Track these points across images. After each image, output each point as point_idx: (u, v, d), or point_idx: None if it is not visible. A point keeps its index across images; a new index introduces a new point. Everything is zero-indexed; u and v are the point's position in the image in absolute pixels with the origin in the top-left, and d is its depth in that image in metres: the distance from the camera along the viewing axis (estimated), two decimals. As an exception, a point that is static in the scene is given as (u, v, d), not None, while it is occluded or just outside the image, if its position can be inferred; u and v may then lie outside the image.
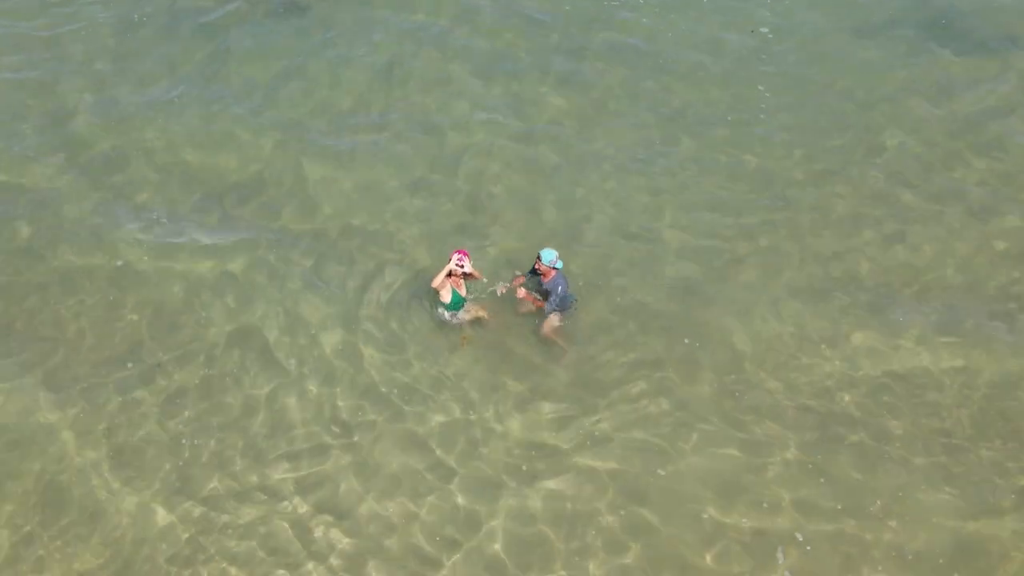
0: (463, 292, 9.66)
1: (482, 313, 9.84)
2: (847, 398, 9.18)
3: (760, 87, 12.27)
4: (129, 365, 9.41)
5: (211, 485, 8.62)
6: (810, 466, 8.69)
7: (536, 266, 9.53)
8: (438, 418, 9.13)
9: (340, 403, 9.22)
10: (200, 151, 11.51)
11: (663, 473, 8.70)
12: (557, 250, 9.52)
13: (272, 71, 12.52)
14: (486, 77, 12.44)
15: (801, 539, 8.23)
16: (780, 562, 8.10)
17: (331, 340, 9.69)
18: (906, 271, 10.22)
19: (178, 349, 9.57)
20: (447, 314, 9.73)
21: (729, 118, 11.91)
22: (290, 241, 10.54)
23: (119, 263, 10.28)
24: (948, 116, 11.84)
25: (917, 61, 12.52)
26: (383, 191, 11.10)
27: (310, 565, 8.18)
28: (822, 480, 8.58)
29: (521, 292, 9.59)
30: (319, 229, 10.68)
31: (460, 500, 8.56)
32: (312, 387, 9.34)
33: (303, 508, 8.50)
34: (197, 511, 8.46)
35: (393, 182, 11.20)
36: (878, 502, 8.41)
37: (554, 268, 9.44)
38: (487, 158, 11.46)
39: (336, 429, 9.03)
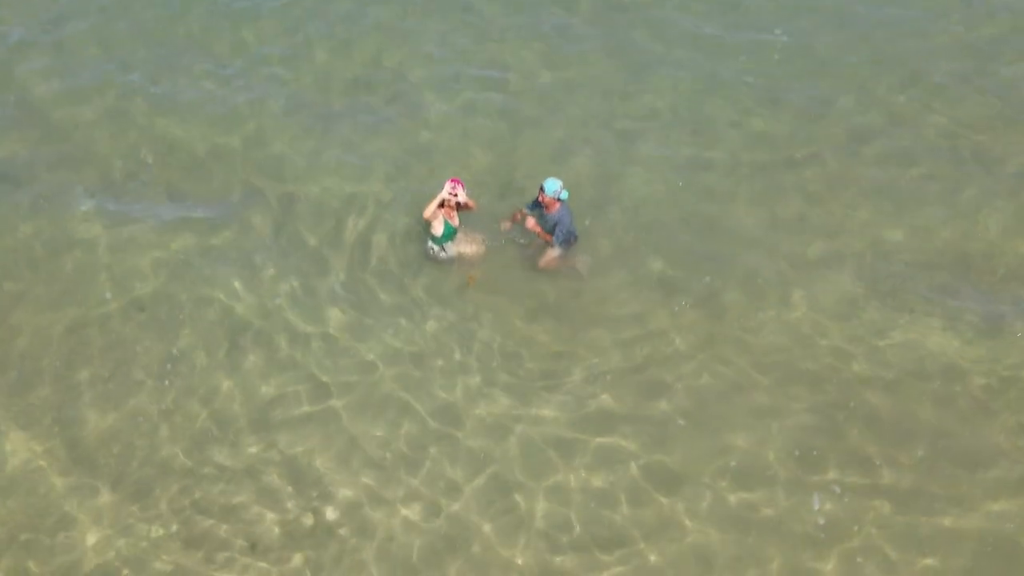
0: (455, 223, 8.71)
1: (476, 246, 8.90)
2: (876, 358, 8.24)
3: (777, 31, 11.38)
4: (82, 340, 8.37)
5: (181, 463, 7.64)
6: (831, 424, 7.81)
7: (539, 198, 8.60)
8: (425, 377, 8.17)
9: (316, 367, 8.24)
10: (172, 120, 10.30)
11: (683, 424, 7.79)
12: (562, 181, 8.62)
13: (263, 32, 11.29)
14: (499, 37, 11.32)
15: (838, 491, 7.35)
16: (816, 508, 7.23)
17: (304, 299, 8.73)
18: (934, 240, 9.16)
19: (138, 322, 8.51)
20: (435, 247, 8.79)
21: (747, 75, 10.88)
22: (266, 209, 9.44)
23: (75, 235, 9.18)
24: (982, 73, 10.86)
25: (947, 21, 11.50)
26: (371, 152, 10.01)
27: (289, 539, 7.25)
28: (854, 437, 7.73)
29: (530, 222, 8.66)
30: (292, 193, 9.57)
31: (450, 469, 7.62)
32: (285, 345, 8.36)
33: (281, 480, 7.55)
34: (172, 488, 7.50)
35: (388, 145, 10.11)
36: (918, 452, 7.56)
37: (558, 199, 8.54)
38: (491, 116, 10.40)
39: (315, 394, 8.06)
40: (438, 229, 8.65)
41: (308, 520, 7.31)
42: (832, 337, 8.38)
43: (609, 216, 9.32)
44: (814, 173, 9.78)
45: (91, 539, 7.18)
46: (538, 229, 8.64)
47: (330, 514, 7.32)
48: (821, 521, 7.19)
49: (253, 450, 7.68)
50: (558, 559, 7.07)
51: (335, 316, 8.57)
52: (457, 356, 8.29)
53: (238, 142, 10.09)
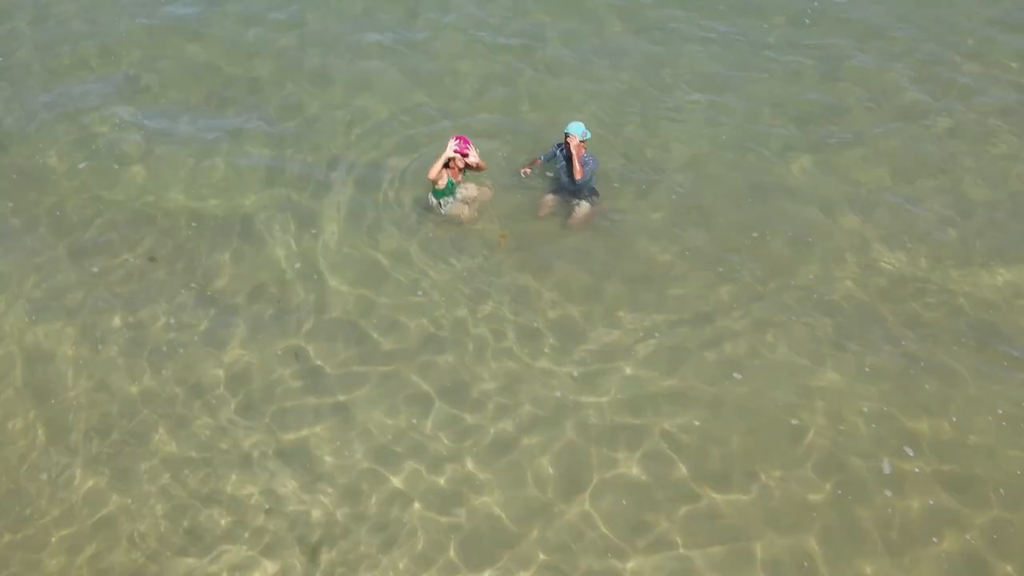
0: (457, 180, 8.05)
1: (481, 195, 8.21)
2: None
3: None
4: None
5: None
6: (912, 371, 6.96)
7: (567, 144, 7.93)
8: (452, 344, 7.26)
9: (312, 347, 7.28)
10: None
11: (739, 377, 6.92)
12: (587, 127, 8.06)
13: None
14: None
15: (912, 454, 6.48)
16: (886, 472, 6.36)
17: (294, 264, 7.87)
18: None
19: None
20: (434, 200, 8.05)
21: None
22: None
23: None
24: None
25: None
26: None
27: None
28: (927, 387, 6.87)
29: (574, 140, 7.86)
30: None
31: (481, 449, 6.61)
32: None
33: (278, 479, 6.50)
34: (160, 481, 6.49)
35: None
36: (1000, 410, 6.73)
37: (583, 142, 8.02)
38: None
39: (311, 380, 7.06)
40: (441, 186, 7.92)
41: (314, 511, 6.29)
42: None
43: (645, 175, 8.62)
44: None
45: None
46: (579, 154, 7.94)
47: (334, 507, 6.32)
48: (889, 494, 6.33)
49: (253, 440, 6.69)
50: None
51: (330, 281, 7.70)
52: (488, 331, 7.35)
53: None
